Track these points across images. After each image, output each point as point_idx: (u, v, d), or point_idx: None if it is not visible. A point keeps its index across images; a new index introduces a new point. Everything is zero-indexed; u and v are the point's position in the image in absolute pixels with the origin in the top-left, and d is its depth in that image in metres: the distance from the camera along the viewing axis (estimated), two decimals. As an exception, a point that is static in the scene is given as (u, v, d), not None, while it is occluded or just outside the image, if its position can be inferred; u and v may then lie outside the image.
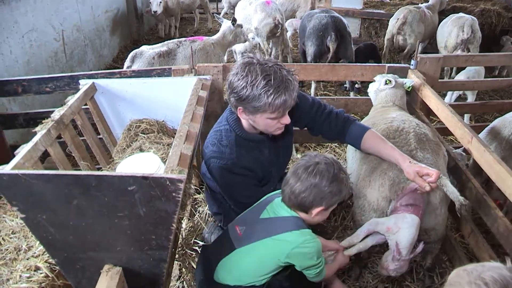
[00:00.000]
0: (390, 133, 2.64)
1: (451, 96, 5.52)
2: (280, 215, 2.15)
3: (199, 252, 2.44)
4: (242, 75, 2.15)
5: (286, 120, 2.28)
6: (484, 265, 1.12)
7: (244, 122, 2.42)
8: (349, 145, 2.89)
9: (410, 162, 2.25)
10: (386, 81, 3.28)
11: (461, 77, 5.39)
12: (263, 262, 2.12)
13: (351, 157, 2.89)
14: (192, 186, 2.50)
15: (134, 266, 1.84)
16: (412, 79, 3.54)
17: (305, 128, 2.71)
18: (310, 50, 5.40)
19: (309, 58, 5.48)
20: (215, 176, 2.46)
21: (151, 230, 1.68)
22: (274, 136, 2.48)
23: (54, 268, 2.16)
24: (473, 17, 6.13)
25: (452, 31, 6.01)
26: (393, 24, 6.55)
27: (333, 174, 2.04)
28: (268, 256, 2.10)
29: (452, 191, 2.17)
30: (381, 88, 3.31)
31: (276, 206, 2.19)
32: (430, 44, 7.22)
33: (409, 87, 3.36)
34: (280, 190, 2.25)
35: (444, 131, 3.64)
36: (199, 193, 3.33)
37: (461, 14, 6.36)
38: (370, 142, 2.49)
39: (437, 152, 2.56)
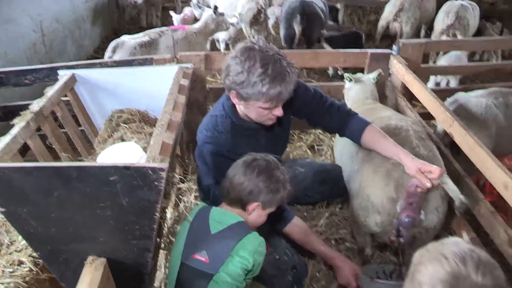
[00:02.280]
0: (389, 131, 2.61)
1: (433, 82, 5.57)
2: (229, 223, 2.06)
3: None
4: (240, 60, 2.11)
5: (279, 112, 2.26)
6: (443, 242, 1.17)
7: (239, 109, 2.39)
8: (345, 144, 2.87)
9: (412, 158, 2.24)
10: (347, 78, 3.35)
11: (441, 63, 5.44)
12: (236, 277, 2.00)
13: (349, 157, 2.81)
14: (176, 176, 2.49)
15: (119, 256, 1.83)
16: (394, 65, 3.56)
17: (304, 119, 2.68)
18: (281, 34, 5.61)
19: (283, 43, 5.62)
20: (208, 161, 2.42)
21: (134, 220, 1.67)
22: (271, 125, 2.45)
23: (38, 262, 2.14)
24: (466, 3, 6.10)
25: (439, 16, 6.04)
26: (389, 11, 6.45)
27: (271, 170, 2.10)
28: (239, 269, 1.98)
29: (453, 189, 2.18)
30: (348, 86, 3.38)
31: (219, 216, 2.11)
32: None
33: (375, 78, 3.38)
34: (202, 205, 2.27)
35: (427, 116, 3.67)
36: (183, 182, 3.32)
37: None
38: (371, 137, 2.47)
39: (434, 149, 2.56)
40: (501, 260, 2.77)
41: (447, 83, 5.43)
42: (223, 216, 2.10)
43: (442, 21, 5.97)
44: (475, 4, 6.29)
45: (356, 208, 2.53)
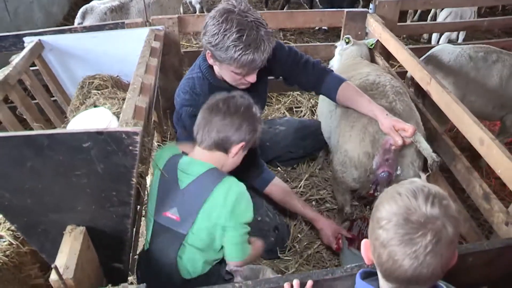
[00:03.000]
0: (367, 85, 2.61)
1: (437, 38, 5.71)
2: (197, 174, 1.89)
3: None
4: (218, 21, 2.05)
5: (251, 79, 2.22)
6: (400, 183, 1.26)
7: (216, 70, 2.34)
8: (324, 101, 2.85)
9: (387, 115, 2.24)
10: (345, 39, 3.33)
11: (442, 14, 5.56)
12: (211, 235, 1.88)
13: (328, 113, 2.82)
14: (155, 142, 2.46)
15: (98, 224, 1.81)
16: (371, 23, 3.52)
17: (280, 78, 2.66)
18: None
19: None
20: (187, 125, 2.36)
21: (111, 187, 1.64)
22: (248, 87, 2.38)
23: (18, 235, 2.11)
24: None
25: None
26: None
27: (251, 108, 1.96)
28: (212, 230, 1.87)
29: (426, 147, 2.20)
30: (344, 48, 3.36)
31: (186, 167, 1.93)
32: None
33: (371, 44, 3.37)
34: (171, 150, 2.07)
35: (405, 75, 3.68)
36: (162, 149, 3.29)
37: None
38: (346, 94, 2.46)
39: (411, 104, 2.57)
40: (475, 214, 2.87)
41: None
42: (190, 166, 1.93)
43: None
44: None
45: (335, 164, 2.56)
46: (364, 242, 1.33)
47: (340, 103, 2.54)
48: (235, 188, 1.86)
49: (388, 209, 1.19)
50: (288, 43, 5.76)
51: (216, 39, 2.05)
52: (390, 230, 1.16)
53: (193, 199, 1.86)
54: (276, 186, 2.55)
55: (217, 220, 1.83)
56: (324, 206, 3.06)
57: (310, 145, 3.17)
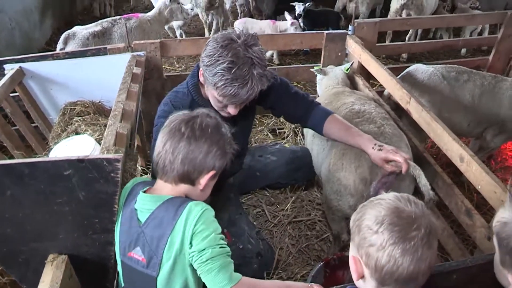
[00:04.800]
0: (353, 114, 2.63)
1: None
2: (153, 208, 1.63)
3: None
4: (218, 44, 2.01)
5: (232, 111, 2.17)
6: (373, 198, 1.35)
7: (204, 89, 2.29)
8: (315, 137, 2.85)
9: (373, 147, 2.20)
10: (316, 71, 3.46)
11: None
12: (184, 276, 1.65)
13: (320, 145, 2.78)
14: (139, 167, 2.45)
15: (80, 252, 1.78)
16: (350, 44, 3.60)
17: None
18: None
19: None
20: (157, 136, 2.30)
21: (93, 214, 1.63)
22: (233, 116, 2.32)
23: (-3, 266, 2.06)
24: None
25: None
26: None
27: (220, 128, 1.71)
28: (179, 269, 1.63)
29: (425, 184, 2.15)
30: (321, 77, 3.45)
31: (144, 203, 1.66)
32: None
33: (347, 69, 3.43)
34: (137, 179, 1.82)
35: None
36: (146, 173, 3.27)
37: None
38: (332, 127, 2.43)
39: (397, 127, 2.60)
40: (459, 230, 2.90)
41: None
42: (148, 202, 1.66)
43: (396, 1, 6.11)
44: None
45: (328, 193, 2.52)
46: (352, 258, 1.33)
47: (327, 136, 2.52)
48: (195, 209, 1.58)
49: (376, 215, 1.25)
50: (271, 65, 5.85)
51: (208, 61, 2.02)
52: (385, 231, 1.22)
53: (154, 237, 1.60)
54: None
55: (177, 252, 1.58)
56: (314, 230, 3.04)
57: (302, 176, 3.16)
